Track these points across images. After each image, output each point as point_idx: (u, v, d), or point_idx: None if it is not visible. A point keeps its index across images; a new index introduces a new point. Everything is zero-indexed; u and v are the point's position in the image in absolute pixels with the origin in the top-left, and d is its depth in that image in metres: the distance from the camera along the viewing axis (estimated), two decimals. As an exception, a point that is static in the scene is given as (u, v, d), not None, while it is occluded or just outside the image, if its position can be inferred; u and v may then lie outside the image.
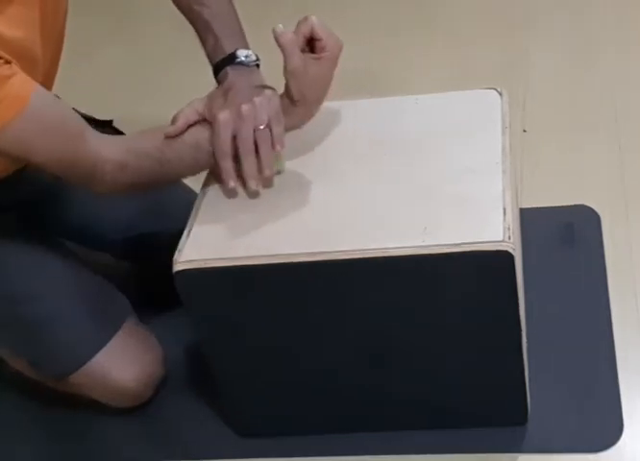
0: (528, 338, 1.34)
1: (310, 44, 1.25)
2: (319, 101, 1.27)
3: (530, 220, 1.70)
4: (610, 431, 1.36)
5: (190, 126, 1.27)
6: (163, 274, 1.24)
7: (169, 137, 1.25)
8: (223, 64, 1.33)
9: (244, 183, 1.27)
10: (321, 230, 1.23)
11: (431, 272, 1.19)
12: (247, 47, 1.36)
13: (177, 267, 1.22)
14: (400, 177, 1.30)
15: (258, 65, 1.34)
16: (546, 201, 1.80)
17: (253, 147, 1.23)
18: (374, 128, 1.36)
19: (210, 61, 1.36)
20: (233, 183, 1.26)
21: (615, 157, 1.89)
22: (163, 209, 1.55)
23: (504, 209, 1.19)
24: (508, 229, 1.16)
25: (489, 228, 1.17)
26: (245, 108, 1.23)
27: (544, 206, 1.79)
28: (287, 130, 1.27)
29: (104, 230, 1.58)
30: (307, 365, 1.34)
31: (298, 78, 1.22)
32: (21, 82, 1.13)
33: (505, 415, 1.37)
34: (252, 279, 1.22)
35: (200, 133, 1.26)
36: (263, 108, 1.23)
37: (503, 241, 1.15)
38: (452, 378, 1.33)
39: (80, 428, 1.53)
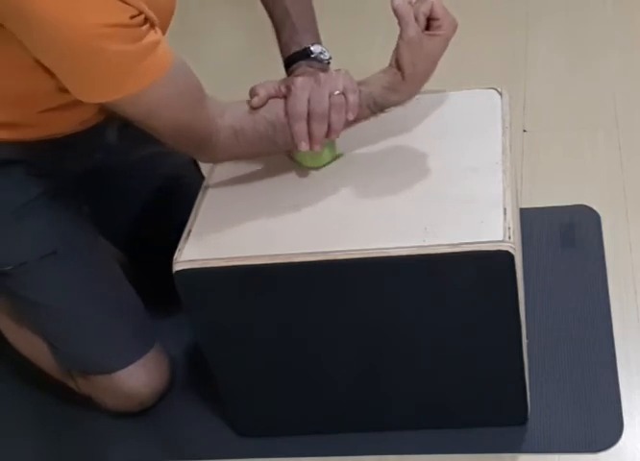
0: (528, 337, 1.34)
1: (427, 22, 1.25)
2: (426, 77, 1.27)
3: (530, 220, 1.70)
4: (610, 431, 1.36)
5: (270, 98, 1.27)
6: (163, 273, 1.24)
7: (254, 108, 1.25)
8: (297, 58, 1.34)
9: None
10: (321, 230, 1.23)
11: (432, 272, 1.19)
12: (320, 42, 1.37)
13: (177, 267, 1.22)
14: (400, 176, 1.30)
15: (329, 63, 1.35)
16: (546, 201, 1.80)
17: (326, 110, 1.23)
18: (374, 127, 1.36)
19: (283, 52, 1.37)
20: (305, 145, 1.25)
21: (615, 157, 1.89)
22: (170, 210, 1.55)
23: (505, 209, 1.20)
24: (508, 229, 1.17)
25: (489, 228, 1.17)
26: (322, 75, 1.26)
27: (544, 206, 1.79)
28: (391, 106, 1.27)
29: (114, 218, 1.59)
30: (307, 365, 1.34)
31: (412, 48, 1.22)
32: (164, 48, 1.14)
33: (505, 415, 1.37)
34: (252, 279, 1.22)
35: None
36: (340, 76, 1.25)
37: (503, 241, 1.15)
38: (452, 378, 1.33)
39: (80, 428, 1.53)
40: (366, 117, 1.28)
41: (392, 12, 1.22)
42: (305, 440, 1.42)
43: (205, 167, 1.48)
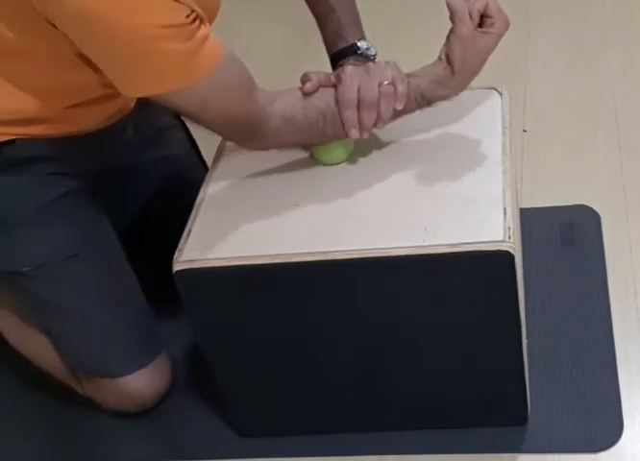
0: (528, 338, 1.34)
1: (480, 19, 1.26)
2: (475, 73, 1.28)
3: (530, 220, 1.70)
4: (610, 431, 1.36)
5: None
6: (164, 273, 1.24)
7: (307, 94, 1.26)
8: (345, 54, 1.36)
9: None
10: (321, 231, 1.23)
11: (432, 272, 1.19)
12: (365, 37, 1.39)
13: (177, 267, 1.22)
14: (400, 176, 1.30)
15: (375, 59, 1.37)
16: (546, 201, 1.80)
17: (375, 99, 1.25)
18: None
19: (329, 48, 1.39)
20: (355, 132, 1.27)
21: (615, 157, 1.89)
22: (177, 211, 1.56)
23: (505, 209, 1.20)
24: (508, 229, 1.17)
25: (489, 228, 1.17)
26: (372, 65, 1.28)
27: (544, 206, 1.79)
28: (438, 100, 1.29)
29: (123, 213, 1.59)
30: (307, 365, 1.34)
31: (465, 45, 1.24)
32: (214, 42, 1.15)
33: (505, 415, 1.37)
34: (251, 279, 1.22)
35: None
36: (389, 67, 1.27)
37: (503, 241, 1.15)
38: (452, 378, 1.33)
39: (81, 428, 1.53)
40: (413, 110, 1.30)
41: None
42: (305, 440, 1.42)
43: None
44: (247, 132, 1.25)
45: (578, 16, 2.40)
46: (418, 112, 1.39)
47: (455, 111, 1.40)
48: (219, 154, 1.42)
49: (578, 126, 2.01)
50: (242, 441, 1.45)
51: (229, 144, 1.42)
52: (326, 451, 1.41)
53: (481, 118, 1.38)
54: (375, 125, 1.27)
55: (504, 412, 1.37)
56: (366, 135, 1.28)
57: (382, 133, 1.37)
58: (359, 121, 1.26)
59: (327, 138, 1.31)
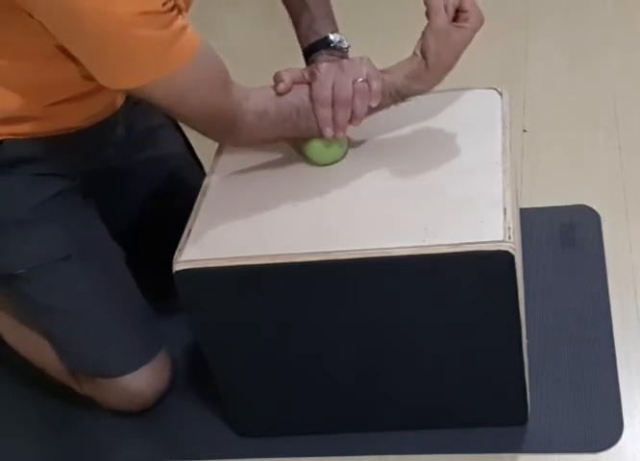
0: (528, 337, 1.34)
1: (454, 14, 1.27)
2: (449, 67, 1.29)
3: (530, 220, 1.70)
4: (610, 431, 1.36)
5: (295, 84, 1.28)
6: (164, 273, 1.24)
7: (280, 94, 1.26)
8: (318, 47, 1.37)
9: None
10: (321, 230, 1.23)
11: (432, 272, 1.19)
12: (338, 30, 1.39)
13: (177, 267, 1.22)
14: (400, 176, 1.30)
15: (347, 51, 1.37)
16: (546, 201, 1.80)
17: (349, 97, 1.25)
18: (374, 127, 1.36)
19: (301, 41, 1.39)
20: (330, 131, 1.27)
21: (615, 157, 1.89)
22: (172, 211, 1.56)
23: (505, 209, 1.20)
24: (508, 229, 1.17)
25: (489, 228, 1.17)
26: (346, 61, 1.28)
27: (544, 206, 1.79)
28: (413, 95, 1.30)
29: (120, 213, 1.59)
30: (308, 365, 1.34)
31: (439, 38, 1.25)
32: (191, 32, 1.14)
33: (505, 415, 1.37)
34: (252, 279, 1.22)
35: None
36: (363, 64, 1.27)
37: (503, 241, 1.15)
38: (452, 378, 1.33)
39: (81, 428, 1.53)
40: (388, 105, 1.30)
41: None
42: (305, 440, 1.42)
43: (206, 167, 1.48)
44: (223, 126, 1.24)
45: (578, 16, 2.40)
46: (418, 112, 1.39)
47: (456, 111, 1.40)
48: (219, 153, 1.42)
49: (578, 126, 2.01)
50: (242, 441, 1.45)
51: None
52: (326, 451, 1.41)
53: (481, 118, 1.38)
54: (349, 122, 1.27)
55: (504, 412, 1.37)
56: (341, 134, 1.28)
57: (382, 132, 1.37)
58: (334, 119, 1.27)
59: (301, 133, 1.30)
